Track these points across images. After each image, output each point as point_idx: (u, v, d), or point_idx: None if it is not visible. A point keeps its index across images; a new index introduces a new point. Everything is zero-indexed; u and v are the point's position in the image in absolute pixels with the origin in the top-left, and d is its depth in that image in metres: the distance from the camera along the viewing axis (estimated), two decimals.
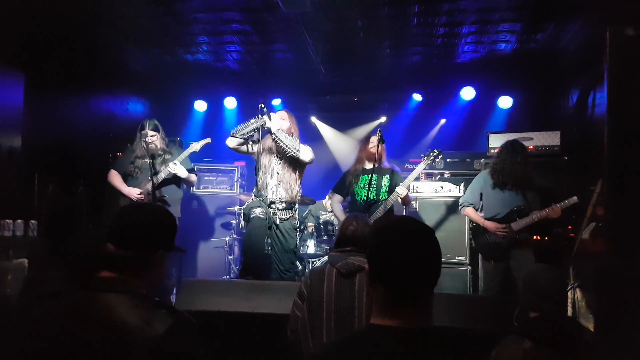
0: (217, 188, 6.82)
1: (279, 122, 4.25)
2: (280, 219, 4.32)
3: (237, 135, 4.24)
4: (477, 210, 4.55)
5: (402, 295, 1.27)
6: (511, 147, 4.40)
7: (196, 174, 5.12)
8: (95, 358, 1.32)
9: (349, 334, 1.47)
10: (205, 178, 6.85)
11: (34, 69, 4.66)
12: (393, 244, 1.31)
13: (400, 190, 4.43)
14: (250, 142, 4.36)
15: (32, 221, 4.05)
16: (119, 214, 1.62)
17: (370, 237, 1.41)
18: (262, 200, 4.32)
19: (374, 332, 1.28)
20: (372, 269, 1.34)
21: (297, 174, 4.39)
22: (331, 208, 5.10)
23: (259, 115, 4.19)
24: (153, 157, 4.72)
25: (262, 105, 4.18)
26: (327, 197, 6.41)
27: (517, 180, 4.30)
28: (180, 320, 1.41)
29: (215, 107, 7.80)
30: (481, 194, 4.50)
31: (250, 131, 4.22)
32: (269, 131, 4.25)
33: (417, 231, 1.33)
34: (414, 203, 5.28)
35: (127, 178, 4.82)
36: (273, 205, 4.31)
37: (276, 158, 4.34)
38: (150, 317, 1.37)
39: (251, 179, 6.88)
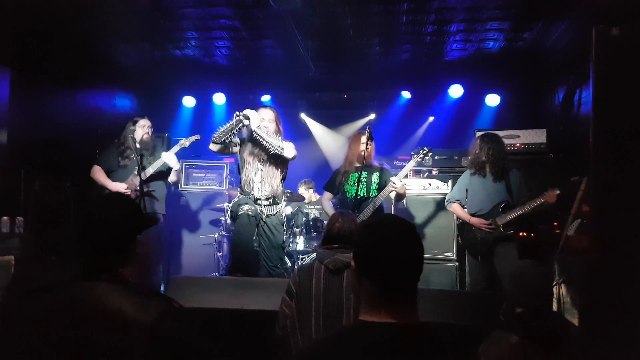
0: (206, 185, 6.79)
1: (259, 120, 4.20)
2: (267, 215, 4.32)
3: (219, 141, 4.19)
4: (462, 207, 4.60)
5: (389, 290, 1.31)
6: (483, 137, 4.53)
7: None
8: (94, 348, 1.34)
9: (338, 330, 1.49)
10: (194, 174, 6.81)
11: (20, 63, 4.60)
12: (378, 241, 1.35)
13: (396, 180, 4.41)
14: (232, 144, 4.34)
15: (19, 218, 4.01)
16: (86, 219, 1.58)
17: (356, 235, 1.45)
18: (249, 197, 4.32)
19: (362, 328, 1.31)
20: (358, 266, 1.38)
21: (279, 170, 4.38)
22: (322, 206, 5.12)
23: (236, 116, 4.13)
24: (142, 151, 4.70)
25: (238, 113, 4.13)
26: (299, 187, 6.46)
27: (496, 167, 4.37)
28: (171, 306, 1.45)
29: (204, 103, 7.76)
30: (467, 190, 4.56)
31: (229, 135, 4.16)
32: (251, 130, 4.21)
33: (401, 229, 1.38)
34: (402, 200, 5.31)
35: (111, 174, 4.78)
36: (259, 202, 4.31)
37: (259, 155, 4.32)
38: (143, 303, 1.40)
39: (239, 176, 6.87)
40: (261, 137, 4.14)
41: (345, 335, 1.37)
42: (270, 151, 4.20)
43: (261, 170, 4.32)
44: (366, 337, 1.27)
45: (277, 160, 4.33)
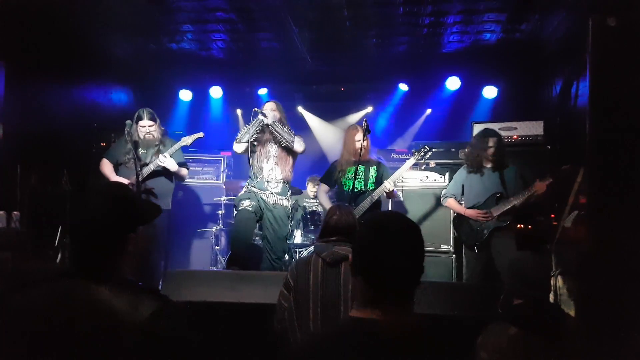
0: (203, 178, 6.77)
1: (272, 114, 4.42)
2: (275, 202, 4.39)
3: (243, 140, 4.39)
4: (458, 202, 4.62)
5: (382, 291, 1.29)
6: (482, 133, 4.57)
7: (188, 168, 5.04)
8: (83, 346, 1.31)
9: (330, 328, 1.48)
10: (191, 168, 6.75)
11: (15, 57, 4.57)
12: (378, 242, 1.32)
13: (388, 185, 4.40)
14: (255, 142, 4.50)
15: (15, 213, 4.00)
16: (76, 211, 1.56)
17: (357, 231, 1.43)
18: (255, 185, 4.38)
19: (352, 325, 1.31)
20: (355, 262, 1.36)
21: (291, 159, 4.54)
22: (318, 198, 5.11)
23: (260, 114, 4.37)
24: (147, 147, 4.66)
25: (256, 109, 4.43)
26: (308, 184, 6.44)
27: (492, 163, 4.40)
28: (165, 304, 1.40)
29: (201, 97, 7.73)
30: (463, 186, 4.58)
31: (253, 134, 4.39)
32: (266, 125, 4.41)
33: (403, 230, 1.34)
34: (399, 193, 5.31)
35: (120, 167, 4.76)
36: (269, 186, 4.39)
37: (273, 144, 4.46)
38: (136, 302, 1.36)
39: (237, 169, 6.84)
40: (277, 130, 4.37)
41: (335, 332, 1.37)
42: (282, 143, 4.41)
43: (274, 156, 4.46)
44: (355, 334, 1.26)
45: (288, 150, 4.49)
